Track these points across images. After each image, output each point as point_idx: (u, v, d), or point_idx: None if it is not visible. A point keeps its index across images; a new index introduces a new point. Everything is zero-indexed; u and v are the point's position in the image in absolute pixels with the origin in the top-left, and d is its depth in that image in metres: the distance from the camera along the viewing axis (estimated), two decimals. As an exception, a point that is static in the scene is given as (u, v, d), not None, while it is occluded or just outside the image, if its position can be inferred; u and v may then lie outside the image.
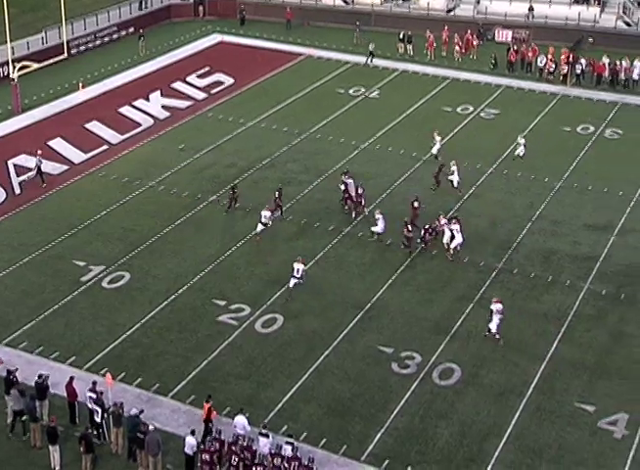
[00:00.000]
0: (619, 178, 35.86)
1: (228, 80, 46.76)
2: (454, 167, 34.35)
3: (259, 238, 31.18)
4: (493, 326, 25.89)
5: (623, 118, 41.93)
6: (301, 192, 34.90)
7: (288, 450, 20.46)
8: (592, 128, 40.84)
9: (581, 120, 41.51)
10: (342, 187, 33.11)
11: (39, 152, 35.67)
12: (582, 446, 22.07)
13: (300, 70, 48.75)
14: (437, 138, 36.86)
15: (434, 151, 36.84)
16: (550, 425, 22.77)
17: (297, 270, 27.99)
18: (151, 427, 20.85)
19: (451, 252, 30.13)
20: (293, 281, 28.02)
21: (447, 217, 31.01)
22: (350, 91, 45.40)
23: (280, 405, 23.42)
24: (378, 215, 31.07)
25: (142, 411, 21.53)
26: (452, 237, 30.16)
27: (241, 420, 21.55)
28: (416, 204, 31.71)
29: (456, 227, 30.11)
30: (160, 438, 20.89)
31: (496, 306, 26.03)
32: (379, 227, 31.03)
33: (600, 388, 24.10)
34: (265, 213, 31.07)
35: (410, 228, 30.19)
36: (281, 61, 49.62)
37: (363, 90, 45.50)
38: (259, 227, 31.10)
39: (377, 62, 49.12)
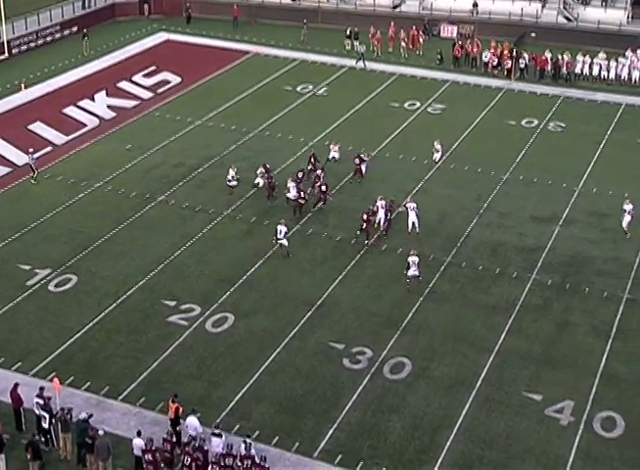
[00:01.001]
0: (563, 170, 36.46)
1: (175, 79, 46.38)
2: (336, 146, 36.64)
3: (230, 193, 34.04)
4: (411, 273, 28.21)
5: (566, 112, 42.67)
6: (251, 190, 34.80)
7: (241, 448, 20.43)
8: (536, 122, 41.51)
9: (526, 114, 42.13)
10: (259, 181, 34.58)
11: (30, 150, 35.75)
12: (530, 434, 22.45)
13: (248, 67, 48.60)
14: (335, 147, 36.94)
15: (332, 156, 36.81)
16: (499, 415, 23.11)
17: (281, 232, 29.91)
18: (100, 431, 20.61)
19: (409, 230, 31.54)
20: (285, 242, 30.15)
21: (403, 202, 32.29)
22: (298, 88, 45.41)
23: (232, 405, 23.35)
24: (290, 184, 32.84)
25: (91, 415, 21.25)
26: (387, 219, 31.40)
27: (192, 421, 21.43)
28: (323, 188, 33.14)
29: (412, 205, 31.56)
30: (110, 442, 20.69)
31: (412, 259, 28.20)
32: (291, 193, 32.73)
33: (547, 377, 24.52)
34: (231, 172, 34.36)
35: (365, 217, 30.83)
36: (228, 59, 49.38)
37: (311, 87, 45.54)
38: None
39: (324, 58, 49.28)
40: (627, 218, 31.18)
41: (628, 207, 31.26)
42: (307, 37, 51.70)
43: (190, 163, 37.19)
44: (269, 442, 22.02)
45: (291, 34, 52.37)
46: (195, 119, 41.52)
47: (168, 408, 22.00)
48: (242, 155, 38.06)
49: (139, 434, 20.69)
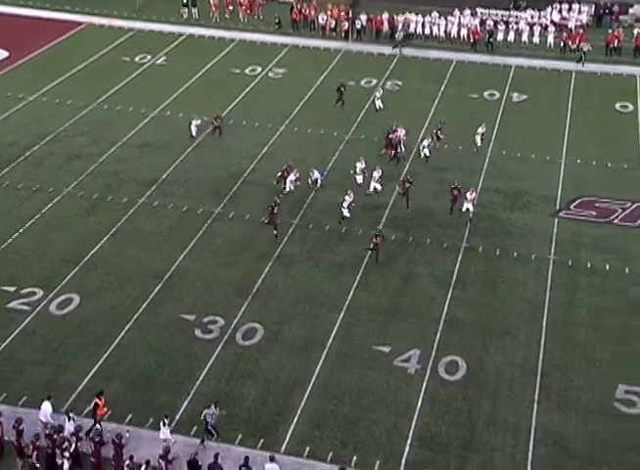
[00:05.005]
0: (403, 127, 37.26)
1: (2, 54, 43.96)
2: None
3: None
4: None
5: (402, 70, 43.67)
6: (92, 165, 33.76)
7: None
8: (375, 81, 42.27)
9: (364, 74, 42.81)
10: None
11: None
12: (381, 385, 23.21)
13: (82, 39, 46.73)
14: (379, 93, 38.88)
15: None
16: (351, 370, 23.73)
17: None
18: None
19: None
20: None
21: None
22: (136, 59, 44.15)
23: (81, 387, 22.78)
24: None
25: None
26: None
27: (46, 407, 20.80)
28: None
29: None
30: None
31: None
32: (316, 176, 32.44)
33: (394, 329, 25.36)
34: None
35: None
36: (60, 30, 47.28)
37: (149, 57, 44.38)
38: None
39: (161, 27, 48.12)
40: (469, 206, 30.66)
41: (471, 195, 30.64)
42: (143, 6, 50.20)
43: (24, 141, 35.53)
44: (122, 420, 21.67)
45: (125, 3, 50.70)
46: (27, 95, 39.60)
47: (96, 406, 21.18)
48: (80, 130, 36.75)
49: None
